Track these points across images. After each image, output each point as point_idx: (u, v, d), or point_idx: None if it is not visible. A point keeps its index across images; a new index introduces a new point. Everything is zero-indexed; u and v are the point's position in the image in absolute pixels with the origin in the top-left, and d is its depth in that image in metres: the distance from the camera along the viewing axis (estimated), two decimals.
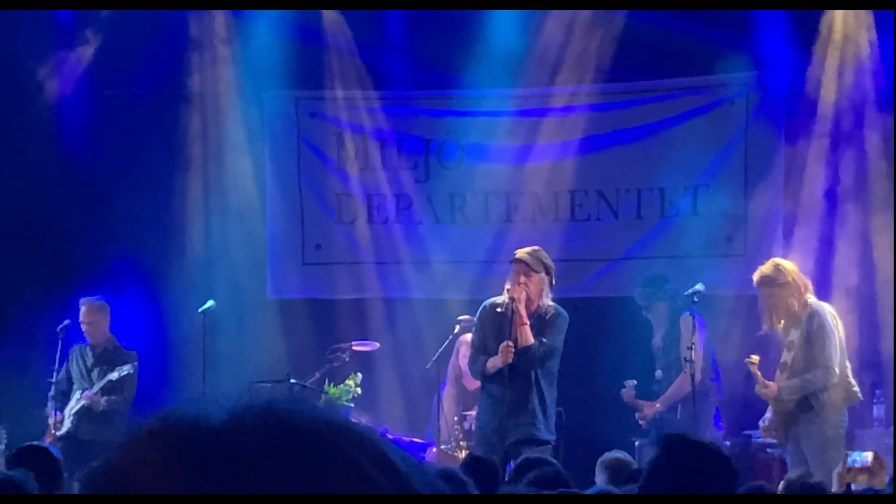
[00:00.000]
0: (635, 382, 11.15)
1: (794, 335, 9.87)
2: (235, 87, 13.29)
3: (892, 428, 10.87)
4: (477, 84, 12.82)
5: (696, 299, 10.60)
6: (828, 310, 9.97)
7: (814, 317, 9.81)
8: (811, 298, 9.93)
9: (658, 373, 11.21)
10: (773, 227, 12.43)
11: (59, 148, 12.91)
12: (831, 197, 12.13)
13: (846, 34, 12.08)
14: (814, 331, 9.79)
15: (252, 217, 13.38)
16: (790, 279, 9.88)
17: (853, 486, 7.39)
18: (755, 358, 10.08)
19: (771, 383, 9.89)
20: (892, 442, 10.34)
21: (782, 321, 9.95)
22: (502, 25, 12.60)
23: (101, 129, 13.00)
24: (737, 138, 12.60)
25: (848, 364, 9.97)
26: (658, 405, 11.03)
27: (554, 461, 7.20)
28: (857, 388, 9.96)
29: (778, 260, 10.25)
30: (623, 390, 11.17)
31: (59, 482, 6.17)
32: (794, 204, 12.27)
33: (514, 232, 12.67)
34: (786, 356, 9.96)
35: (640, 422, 11.14)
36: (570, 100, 12.89)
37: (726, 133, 12.61)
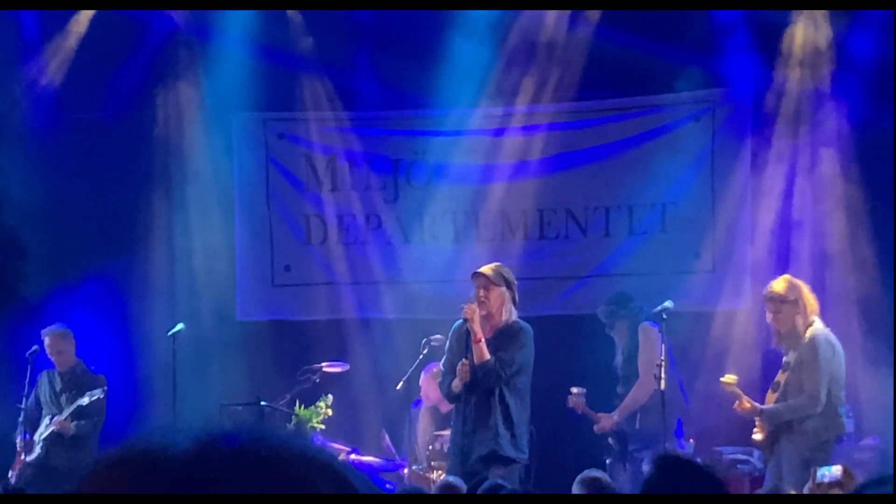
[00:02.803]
0: (584, 390, 11.11)
1: (792, 357, 9.76)
2: (203, 109, 13.28)
3: (861, 442, 10.90)
4: (445, 103, 12.85)
5: (664, 316, 10.59)
6: (827, 336, 9.77)
7: (811, 342, 9.65)
8: (816, 322, 9.80)
9: (619, 389, 11.20)
10: (741, 244, 12.48)
11: (25, 172, 12.83)
12: (799, 212, 12.18)
13: (808, 47, 12.15)
14: (807, 356, 9.65)
15: (221, 239, 13.35)
16: (799, 297, 9.79)
17: None
18: (731, 378, 10.00)
19: (750, 406, 9.80)
20: (862, 456, 10.37)
21: (784, 340, 9.83)
22: (469, 45, 12.63)
23: (68, 154, 12.94)
24: (703, 155, 12.64)
25: (842, 394, 9.77)
26: (615, 416, 11.04)
27: (504, 483, 7.16)
28: (844, 420, 9.75)
29: (790, 276, 10.11)
30: (570, 396, 11.10)
31: None
32: (762, 220, 12.32)
33: (483, 250, 12.67)
34: (780, 376, 9.86)
35: (598, 433, 11.12)
36: (538, 118, 12.92)
37: (693, 150, 12.65)
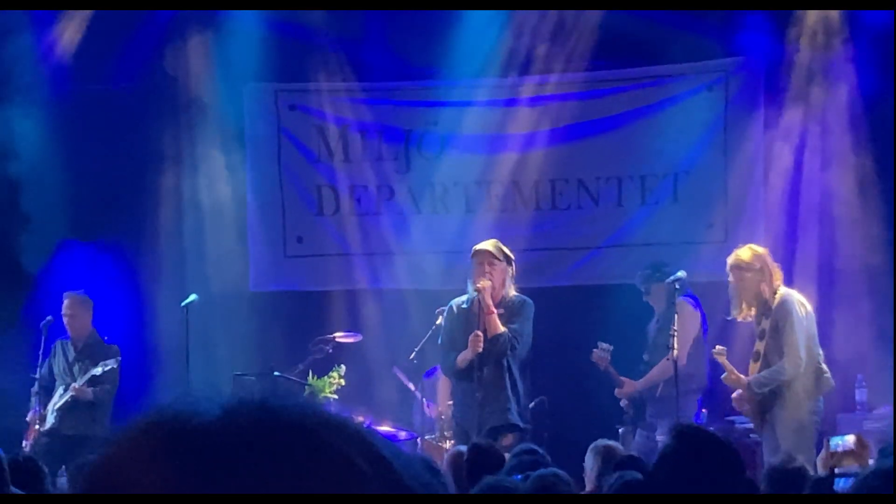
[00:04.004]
0: (611, 347, 11.09)
1: (765, 324, 9.89)
2: (215, 81, 13.27)
3: (874, 412, 10.90)
4: (456, 74, 12.84)
5: (678, 286, 10.63)
6: (796, 298, 9.94)
7: (783, 305, 9.80)
8: (781, 287, 9.94)
9: (646, 356, 11.23)
10: (754, 214, 12.47)
11: (38, 143, 12.84)
12: (811, 182, 12.17)
13: (821, 16, 12.11)
14: (782, 320, 9.79)
15: (234, 210, 13.37)
16: (762, 265, 9.91)
17: (837, 470, 7.42)
18: (722, 349, 10.12)
19: (742, 377, 9.93)
20: (873, 426, 10.38)
21: (753, 308, 9.97)
22: (482, 15, 12.60)
23: (81, 125, 12.94)
24: (716, 125, 12.63)
25: (820, 351, 9.95)
26: (638, 385, 11.06)
27: (537, 449, 7.23)
28: (829, 375, 9.92)
29: (752, 245, 10.27)
30: (595, 351, 11.06)
31: (4, 485, 6.05)
32: (774, 190, 12.31)
33: (495, 221, 12.70)
34: (758, 345, 9.98)
35: (619, 396, 11.14)
36: (550, 88, 12.90)
37: (705, 120, 12.63)
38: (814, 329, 9.98)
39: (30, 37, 13.03)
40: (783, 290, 9.93)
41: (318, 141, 13.44)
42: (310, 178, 13.46)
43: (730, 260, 10.10)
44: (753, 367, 9.98)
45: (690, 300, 10.98)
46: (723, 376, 10.08)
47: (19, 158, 12.74)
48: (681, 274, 10.67)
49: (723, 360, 10.05)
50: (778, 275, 9.98)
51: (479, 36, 12.64)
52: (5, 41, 12.77)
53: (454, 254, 12.73)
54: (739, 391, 10.01)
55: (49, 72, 13.04)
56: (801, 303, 9.93)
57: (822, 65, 12.14)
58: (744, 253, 10.05)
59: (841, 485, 6.73)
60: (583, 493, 6.40)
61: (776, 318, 9.82)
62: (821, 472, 7.58)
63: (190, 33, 13.23)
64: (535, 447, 7.36)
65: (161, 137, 13.27)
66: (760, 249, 10.15)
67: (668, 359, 10.60)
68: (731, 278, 10.08)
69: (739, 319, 10.15)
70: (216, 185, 13.34)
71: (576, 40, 12.71)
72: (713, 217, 12.58)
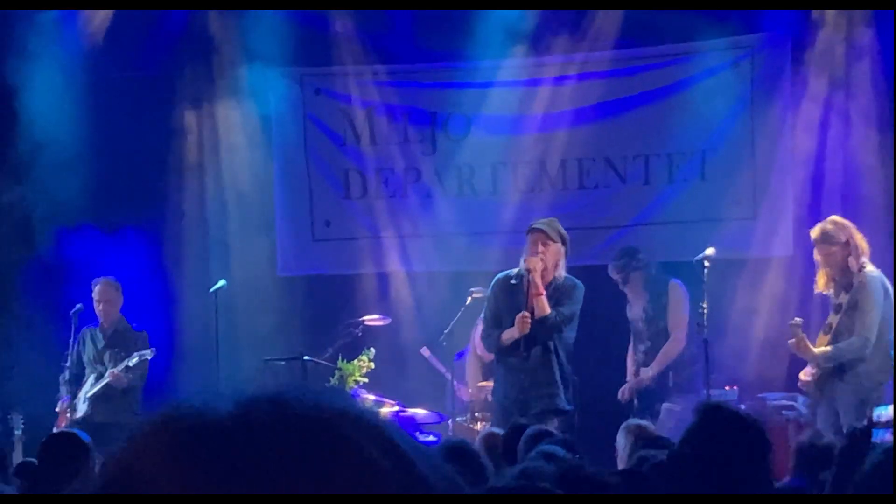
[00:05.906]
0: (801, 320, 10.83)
1: (843, 298, 9.72)
2: (239, 66, 13.27)
3: None
4: (482, 55, 12.81)
5: (706, 264, 10.55)
6: (881, 279, 9.73)
7: (865, 285, 9.61)
8: (868, 265, 9.74)
9: (646, 344, 11.14)
10: (782, 190, 12.41)
11: (63, 129, 12.84)
12: (838, 157, 12.10)
13: None
14: (860, 298, 9.61)
15: (261, 195, 13.40)
16: (847, 238, 9.74)
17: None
18: (798, 321, 9.94)
19: (806, 347, 9.77)
20: None
21: (834, 282, 9.82)
22: None
23: (106, 111, 12.95)
24: (742, 101, 12.57)
25: (892, 339, 9.70)
26: (650, 371, 11.02)
27: (555, 432, 7.21)
28: (893, 363, 9.70)
29: (837, 217, 10.03)
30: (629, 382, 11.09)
31: (89, 468, 6.10)
32: (802, 165, 12.25)
33: (522, 202, 12.69)
34: (831, 318, 9.82)
35: (636, 386, 11.11)
36: (575, 68, 12.88)
37: (732, 96, 12.58)
38: (892, 313, 9.72)
39: (56, 18, 13.02)
40: (869, 269, 9.69)
41: (345, 124, 13.45)
42: (337, 161, 13.47)
43: (814, 233, 9.90)
44: (822, 339, 9.83)
45: (680, 284, 10.98)
46: (791, 341, 9.86)
47: (45, 144, 12.75)
48: (709, 251, 10.61)
49: (798, 331, 9.82)
50: (864, 249, 9.78)
51: (505, 16, 12.60)
52: (31, 19, 12.78)
53: (481, 235, 12.75)
54: (809, 373, 9.87)
55: (72, 57, 13.03)
56: (882, 284, 9.72)
57: (848, 39, 12.06)
58: (828, 225, 9.83)
59: (880, 435, 6.68)
60: (615, 471, 6.38)
61: (856, 296, 9.64)
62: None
63: (214, 18, 13.23)
64: (546, 429, 7.32)
65: (186, 123, 13.30)
66: (846, 222, 9.90)
67: (686, 345, 10.57)
68: (816, 252, 9.88)
69: (826, 293, 9.95)
70: (242, 170, 13.37)
71: (601, 19, 12.67)
72: (741, 194, 12.52)
